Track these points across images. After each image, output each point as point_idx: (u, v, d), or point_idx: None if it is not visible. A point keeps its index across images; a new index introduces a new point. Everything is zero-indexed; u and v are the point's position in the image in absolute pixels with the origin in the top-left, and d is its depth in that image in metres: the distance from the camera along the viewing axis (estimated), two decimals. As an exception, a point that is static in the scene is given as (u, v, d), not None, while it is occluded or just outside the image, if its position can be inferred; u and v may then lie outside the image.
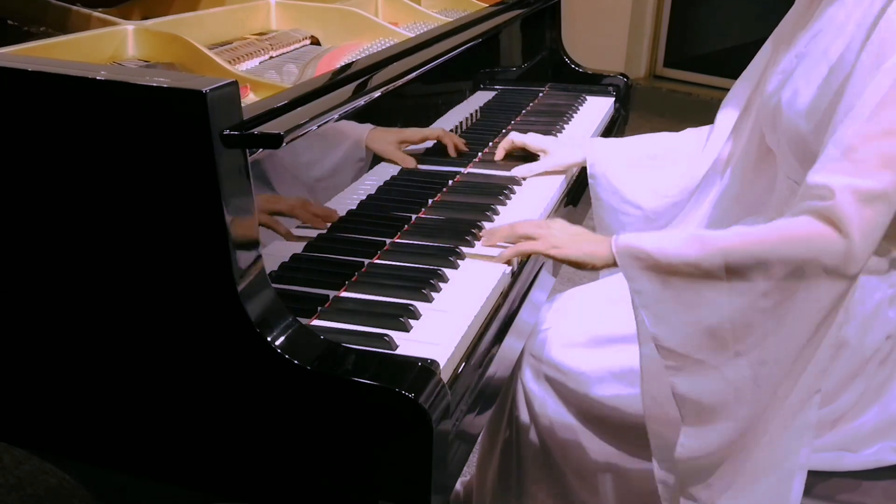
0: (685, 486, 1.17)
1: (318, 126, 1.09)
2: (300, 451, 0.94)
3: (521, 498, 1.44)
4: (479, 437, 1.53)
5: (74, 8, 1.41)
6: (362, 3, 1.77)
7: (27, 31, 1.39)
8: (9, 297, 1.01)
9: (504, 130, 1.79)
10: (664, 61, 5.38)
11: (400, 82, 1.32)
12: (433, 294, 1.13)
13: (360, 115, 1.27)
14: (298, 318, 0.96)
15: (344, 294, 1.13)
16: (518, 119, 1.91)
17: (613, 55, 5.26)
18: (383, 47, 1.50)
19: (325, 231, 1.20)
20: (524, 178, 1.57)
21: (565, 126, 1.90)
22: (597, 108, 2.08)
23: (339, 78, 1.21)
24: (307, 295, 1.09)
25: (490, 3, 1.99)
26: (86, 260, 0.95)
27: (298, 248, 1.14)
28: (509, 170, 1.58)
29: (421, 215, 1.38)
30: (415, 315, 1.07)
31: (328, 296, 1.11)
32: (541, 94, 2.14)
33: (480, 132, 1.74)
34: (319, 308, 1.08)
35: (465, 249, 1.25)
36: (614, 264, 1.13)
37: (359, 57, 1.47)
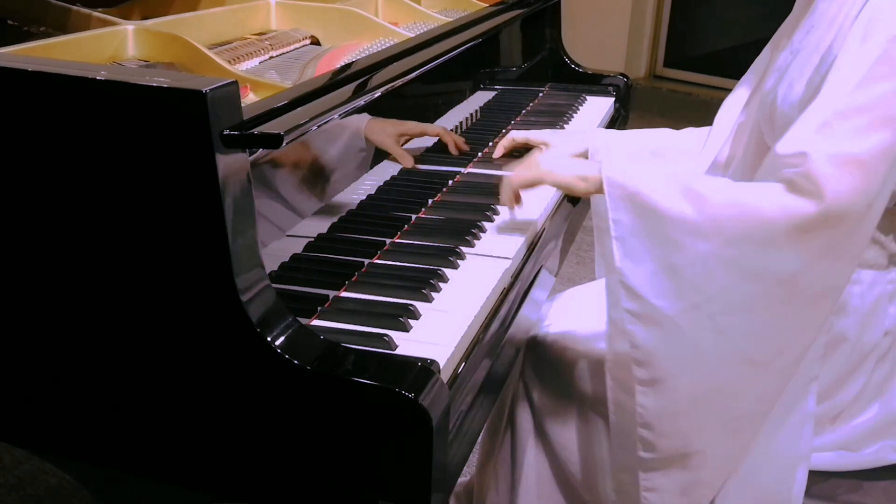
0: (679, 482, 1.18)
1: (319, 126, 1.10)
2: (300, 452, 0.94)
3: (522, 497, 1.44)
4: (480, 437, 1.53)
5: (74, 8, 1.41)
6: (362, 3, 1.77)
7: (27, 31, 1.39)
8: (10, 298, 1.01)
9: (504, 130, 1.79)
10: (664, 61, 5.37)
11: (400, 82, 1.32)
12: (433, 294, 1.13)
13: (360, 115, 1.27)
14: (298, 318, 0.96)
15: (344, 294, 1.13)
16: (518, 119, 1.91)
17: (613, 55, 5.26)
18: (383, 47, 1.50)
19: (325, 231, 1.20)
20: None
21: (565, 126, 1.91)
22: (597, 108, 2.08)
23: (339, 78, 1.21)
24: (307, 295, 1.09)
25: (490, 3, 1.99)
26: (86, 260, 0.95)
27: (298, 248, 1.14)
28: (511, 168, 1.58)
29: (421, 215, 1.38)
30: (415, 315, 1.07)
31: (328, 296, 1.11)
32: (541, 94, 2.14)
33: (480, 132, 1.74)
34: (319, 308, 1.08)
35: (465, 249, 1.25)
36: (601, 189, 1.14)
37: (359, 57, 1.47)
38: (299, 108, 1.06)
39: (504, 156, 1.62)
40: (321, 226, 1.20)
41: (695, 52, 5.31)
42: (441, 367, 0.96)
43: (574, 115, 2.00)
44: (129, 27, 1.33)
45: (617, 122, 2.10)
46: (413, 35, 1.58)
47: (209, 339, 0.93)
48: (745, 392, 1.12)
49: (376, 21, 1.66)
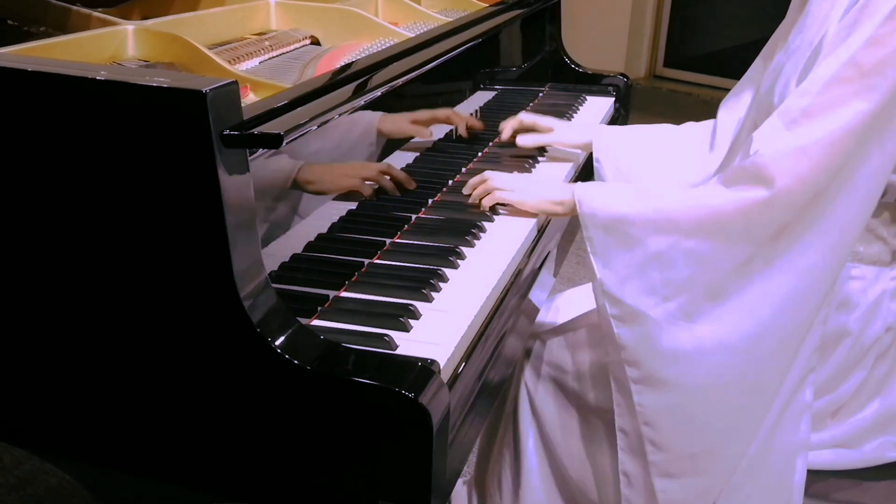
0: (681, 476, 1.18)
1: (319, 126, 1.10)
2: (300, 452, 0.94)
3: (522, 497, 1.44)
4: (480, 437, 1.53)
5: (74, 8, 1.41)
6: (362, 3, 1.77)
7: (27, 31, 1.39)
8: (10, 299, 1.01)
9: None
10: (664, 61, 5.37)
11: (400, 82, 1.32)
12: (433, 294, 1.13)
13: (360, 115, 1.27)
14: (298, 318, 0.96)
15: (344, 294, 1.13)
16: (518, 119, 1.91)
17: (613, 55, 5.27)
18: (383, 47, 1.50)
19: (325, 231, 1.20)
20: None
21: (565, 126, 1.90)
22: (597, 108, 2.08)
23: (339, 78, 1.21)
24: (307, 295, 1.09)
25: (490, 3, 1.99)
26: (86, 260, 0.95)
27: (298, 247, 1.14)
28: (511, 169, 1.58)
29: (421, 215, 1.38)
30: (415, 315, 1.07)
31: (328, 296, 1.11)
32: (541, 94, 2.14)
33: (480, 132, 1.73)
34: (319, 308, 1.08)
35: (465, 249, 1.25)
36: (575, 212, 1.22)
37: (359, 57, 1.47)
38: (299, 108, 1.06)
39: (505, 145, 1.67)
40: (321, 226, 1.20)
41: (695, 52, 5.32)
42: (441, 367, 0.96)
43: (574, 115, 2.00)
44: (129, 27, 1.33)
45: (617, 122, 2.10)
46: (413, 35, 1.58)
47: (210, 340, 0.93)
48: (734, 384, 1.14)
49: (376, 21, 1.66)
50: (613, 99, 2.15)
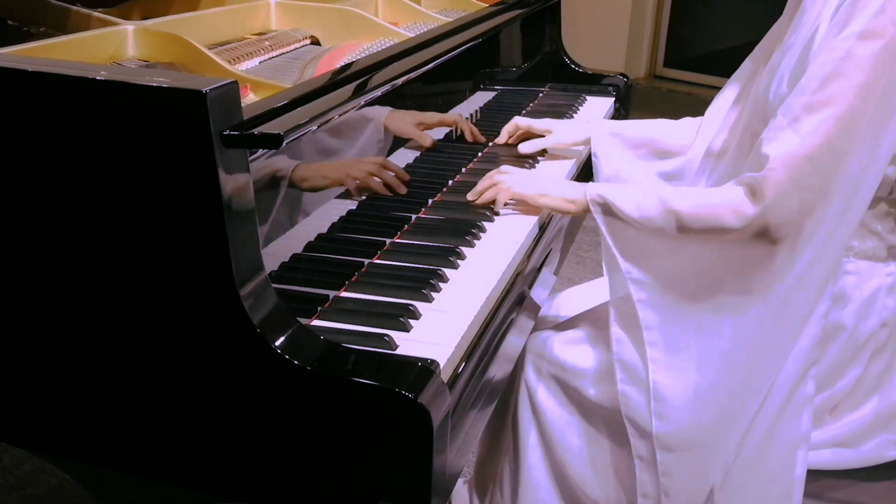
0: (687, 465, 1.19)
1: (319, 126, 1.10)
2: (300, 452, 0.94)
3: (522, 496, 1.44)
4: (480, 437, 1.53)
5: (74, 8, 1.41)
6: (362, 3, 1.77)
7: (27, 31, 1.39)
8: (10, 299, 1.01)
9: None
10: (664, 61, 5.37)
11: (400, 82, 1.32)
12: (433, 294, 1.13)
13: (360, 115, 1.27)
14: (298, 318, 0.96)
15: (344, 294, 1.13)
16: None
17: (613, 55, 5.26)
18: (383, 47, 1.50)
19: (325, 231, 1.20)
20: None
21: (565, 126, 1.90)
22: (597, 108, 2.08)
23: (339, 78, 1.21)
24: (307, 295, 1.09)
25: (490, 3, 1.99)
26: (86, 260, 0.95)
27: (298, 247, 1.14)
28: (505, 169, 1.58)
29: (421, 215, 1.38)
30: (415, 315, 1.07)
31: (328, 296, 1.11)
32: (541, 95, 2.14)
33: (480, 132, 1.73)
34: (319, 308, 1.08)
35: (465, 249, 1.25)
36: (588, 209, 1.25)
37: (359, 57, 1.47)
38: (299, 108, 1.06)
39: (505, 144, 1.68)
40: (321, 226, 1.20)
41: (695, 52, 5.32)
42: (441, 367, 0.96)
43: (574, 115, 2.00)
44: (129, 27, 1.33)
45: (617, 121, 2.10)
46: (413, 35, 1.58)
47: (210, 340, 0.93)
48: (740, 340, 1.17)
49: (376, 21, 1.66)
50: (613, 99, 2.15)
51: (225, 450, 0.98)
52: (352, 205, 1.27)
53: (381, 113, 1.33)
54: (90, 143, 0.91)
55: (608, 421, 1.33)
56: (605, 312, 1.39)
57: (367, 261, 1.20)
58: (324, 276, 1.15)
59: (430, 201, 1.43)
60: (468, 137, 1.64)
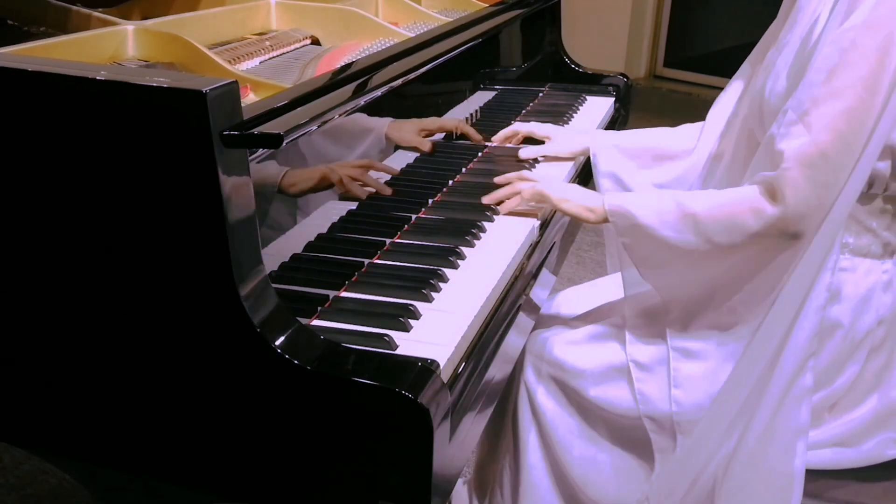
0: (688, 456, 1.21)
1: (319, 126, 1.10)
2: (300, 452, 0.94)
3: (522, 497, 1.44)
4: (480, 438, 1.53)
5: (74, 8, 1.41)
6: (362, 3, 1.77)
7: (27, 31, 1.39)
8: (10, 299, 1.01)
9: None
10: (664, 61, 5.37)
11: (400, 82, 1.32)
12: (433, 294, 1.13)
13: (360, 115, 1.27)
14: (298, 318, 0.96)
15: (344, 294, 1.13)
16: (518, 119, 1.91)
17: (613, 55, 5.26)
18: (383, 47, 1.50)
19: (325, 231, 1.20)
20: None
21: (566, 126, 1.90)
22: (597, 108, 2.08)
23: (339, 78, 1.21)
24: (307, 295, 1.09)
25: (490, 3, 1.99)
26: (86, 260, 0.95)
27: (298, 247, 1.14)
28: (512, 169, 1.58)
29: (421, 215, 1.38)
30: (415, 315, 1.07)
31: (328, 296, 1.11)
32: (541, 95, 2.14)
33: (480, 133, 1.73)
34: (319, 308, 1.08)
35: (465, 249, 1.25)
36: (607, 219, 1.26)
37: (359, 57, 1.47)
38: (299, 108, 1.06)
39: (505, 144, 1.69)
40: (321, 226, 1.20)
41: (695, 52, 5.31)
42: (441, 367, 0.96)
43: (574, 115, 2.00)
44: (129, 27, 1.33)
45: (617, 122, 2.10)
46: (413, 35, 1.58)
47: (210, 340, 0.93)
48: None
49: (376, 21, 1.66)
50: (613, 99, 2.15)
51: (225, 450, 0.98)
52: (352, 205, 1.27)
53: (382, 123, 1.33)
54: (90, 143, 0.91)
55: (608, 422, 1.33)
56: (605, 313, 1.39)
57: (367, 261, 1.20)
58: (324, 276, 1.15)
59: (430, 201, 1.43)
60: (468, 138, 1.64)
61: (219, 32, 1.52)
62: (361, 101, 1.21)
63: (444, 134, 1.59)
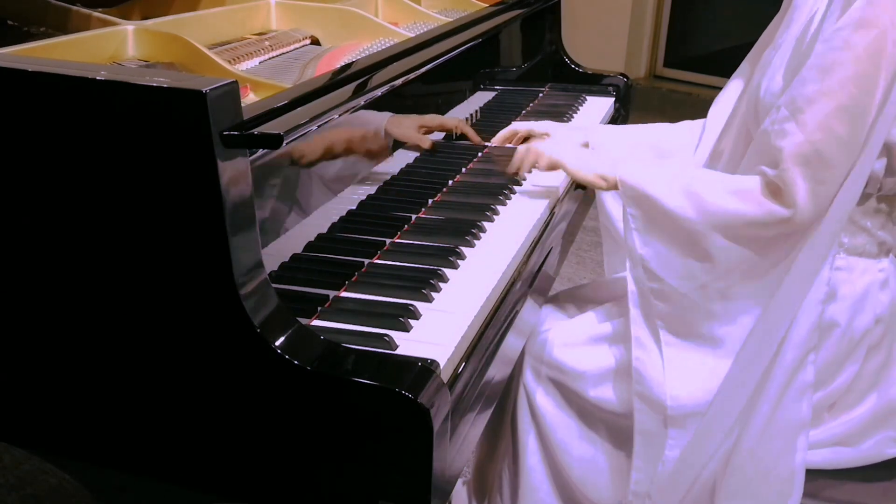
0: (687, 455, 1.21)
1: (319, 126, 1.10)
2: (300, 452, 0.94)
3: (521, 497, 1.44)
4: (480, 437, 1.53)
5: (74, 8, 1.41)
6: (362, 3, 1.77)
7: (27, 31, 1.39)
8: (10, 299, 1.01)
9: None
10: (664, 61, 5.37)
11: (400, 82, 1.32)
12: (433, 294, 1.13)
13: (360, 115, 1.27)
14: (298, 318, 0.96)
15: (344, 294, 1.13)
16: (518, 119, 1.91)
17: (613, 55, 5.26)
18: (383, 47, 1.50)
19: (325, 231, 1.20)
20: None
21: (565, 126, 1.91)
22: (597, 108, 2.09)
23: (339, 78, 1.21)
24: (307, 295, 1.09)
25: (490, 3, 1.99)
26: (86, 260, 0.95)
27: (298, 247, 1.14)
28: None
29: (421, 215, 1.38)
30: (415, 315, 1.07)
31: (328, 296, 1.11)
32: (541, 95, 2.14)
33: (480, 132, 1.73)
34: (319, 308, 1.08)
35: (464, 249, 1.25)
36: (616, 187, 1.28)
37: (359, 57, 1.47)
38: (299, 108, 1.06)
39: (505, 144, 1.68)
40: (321, 226, 1.20)
41: (695, 52, 5.31)
42: (441, 367, 0.96)
43: (574, 115, 2.00)
44: (129, 27, 1.33)
45: (617, 122, 2.10)
46: (413, 35, 1.58)
47: (210, 340, 0.93)
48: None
49: (376, 21, 1.66)
50: (613, 99, 2.15)
51: (225, 450, 0.98)
52: (352, 205, 1.27)
53: (382, 118, 1.33)
54: (90, 144, 0.91)
55: (608, 423, 1.33)
56: (605, 314, 1.39)
57: (367, 261, 1.20)
58: (324, 276, 1.15)
59: (430, 201, 1.43)
60: (468, 139, 1.64)
61: (219, 32, 1.52)
62: (361, 101, 1.22)
63: (444, 134, 1.59)
